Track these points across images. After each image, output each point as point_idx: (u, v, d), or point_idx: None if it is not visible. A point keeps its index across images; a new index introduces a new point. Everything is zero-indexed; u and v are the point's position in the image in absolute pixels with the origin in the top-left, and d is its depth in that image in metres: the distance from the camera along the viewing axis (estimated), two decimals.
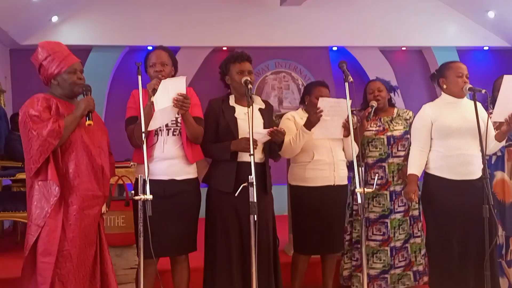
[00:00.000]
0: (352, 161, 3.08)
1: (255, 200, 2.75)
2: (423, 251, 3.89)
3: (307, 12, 7.33)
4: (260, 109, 3.34)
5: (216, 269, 3.18)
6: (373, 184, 3.67)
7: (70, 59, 2.90)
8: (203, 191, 3.24)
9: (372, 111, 3.78)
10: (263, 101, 3.42)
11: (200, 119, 3.19)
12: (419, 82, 8.12)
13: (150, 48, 6.20)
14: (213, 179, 3.27)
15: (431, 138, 3.41)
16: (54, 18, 6.79)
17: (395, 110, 3.98)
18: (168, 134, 3.11)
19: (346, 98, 3.14)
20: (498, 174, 3.76)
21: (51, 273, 2.69)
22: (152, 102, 2.93)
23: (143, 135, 2.76)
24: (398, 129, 3.85)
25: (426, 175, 3.44)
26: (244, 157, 3.12)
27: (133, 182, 3.24)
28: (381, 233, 3.83)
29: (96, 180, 2.86)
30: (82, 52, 7.14)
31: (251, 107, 2.94)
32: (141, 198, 2.66)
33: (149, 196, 2.65)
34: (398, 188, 3.82)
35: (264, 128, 3.24)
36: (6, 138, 5.46)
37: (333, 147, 3.60)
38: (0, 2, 5.55)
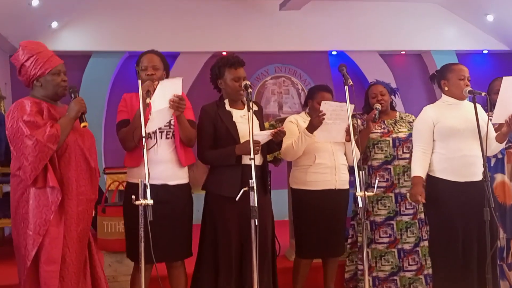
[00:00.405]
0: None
1: (256, 205, 2.75)
2: None
3: (306, 16, 7.33)
4: (254, 111, 3.35)
5: (220, 274, 3.17)
6: (377, 187, 3.68)
7: (54, 60, 2.84)
8: (199, 198, 3.23)
9: (378, 113, 3.74)
10: (254, 102, 3.42)
11: (193, 122, 3.20)
12: (418, 85, 8.11)
13: None
14: (215, 184, 3.25)
15: (433, 140, 3.40)
16: (54, 24, 6.78)
17: (398, 113, 3.98)
18: (161, 137, 3.11)
19: (347, 102, 3.14)
20: (499, 177, 3.76)
21: (57, 281, 2.66)
22: (148, 104, 2.91)
23: (143, 139, 2.74)
24: (402, 131, 3.84)
25: (429, 177, 3.43)
26: (247, 160, 3.11)
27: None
28: (387, 235, 3.81)
29: (91, 183, 2.85)
30: (82, 58, 7.16)
31: (251, 110, 2.94)
32: (141, 203, 2.64)
33: (150, 201, 2.63)
34: (403, 190, 3.80)
35: (260, 128, 3.25)
36: (6, 144, 5.45)
37: (335, 151, 3.60)
38: None
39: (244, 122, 3.19)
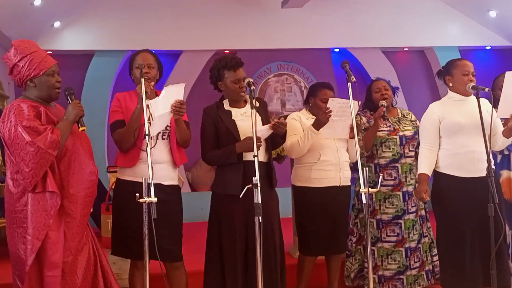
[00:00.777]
0: (356, 162, 3.07)
1: (260, 202, 2.75)
2: (434, 251, 3.85)
3: (308, 14, 7.32)
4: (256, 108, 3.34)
5: (225, 272, 3.17)
6: (384, 185, 3.67)
7: (49, 61, 2.79)
8: (203, 196, 3.22)
9: (386, 110, 3.71)
10: (256, 98, 3.42)
11: (187, 123, 3.22)
12: (421, 82, 8.09)
13: None
14: (219, 184, 3.27)
15: (440, 137, 3.39)
16: (56, 24, 6.79)
17: (398, 111, 3.96)
18: (158, 138, 3.12)
19: (352, 99, 3.13)
20: (505, 173, 3.75)
21: (59, 286, 2.64)
22: (147, 105, 2.91)
23: (147, 137, 2.75)
24: (408, 129, 3.82)
25: (435, 173, 3.42)
26: (249, 156, 3.09)
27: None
28: (395, 234, 3.78)
29: (91, 186, 2.82)
30: (84, 57, 7.17)
31: (254, 108, 2.93)
32: (145, 201, 2.65)
33: (153, 199, 2.64)
34: (410, 189, 3.78)
35: (263, 124, 3.25)
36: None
37: (339, 148, 3.60)
38: (1, 7, 5.56)
39: (244, 120, 3.19)
